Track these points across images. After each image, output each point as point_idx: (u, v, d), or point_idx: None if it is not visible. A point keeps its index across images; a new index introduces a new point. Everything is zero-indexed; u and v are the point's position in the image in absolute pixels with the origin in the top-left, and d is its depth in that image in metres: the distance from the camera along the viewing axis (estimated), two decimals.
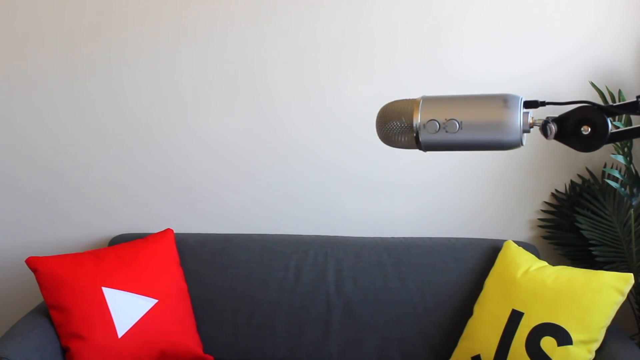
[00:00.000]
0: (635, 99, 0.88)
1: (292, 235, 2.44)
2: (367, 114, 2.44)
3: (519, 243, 2.27)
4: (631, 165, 2.22)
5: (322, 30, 2.40)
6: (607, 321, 1.93)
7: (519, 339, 1.97)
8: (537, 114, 0.91)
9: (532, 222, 2.50)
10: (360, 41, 2.40)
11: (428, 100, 0.92)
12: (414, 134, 0.91)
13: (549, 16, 2.34)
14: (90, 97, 2.50)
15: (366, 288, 2.28)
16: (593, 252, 2.29)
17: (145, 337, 2.13)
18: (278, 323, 2.29)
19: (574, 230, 2.40)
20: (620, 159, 2.20)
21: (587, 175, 2.44)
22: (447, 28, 2.37)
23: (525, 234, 2.50)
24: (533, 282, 2.04)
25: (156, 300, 2.19)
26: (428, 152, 2.30)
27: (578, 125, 0.87)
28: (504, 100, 0.88)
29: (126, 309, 2.12)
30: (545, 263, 2.14)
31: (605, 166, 2.40)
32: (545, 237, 2.47)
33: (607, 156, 2.40)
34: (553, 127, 0.88)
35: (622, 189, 2.23)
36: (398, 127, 0.93)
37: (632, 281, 1.93)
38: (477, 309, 2.16)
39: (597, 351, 1.94)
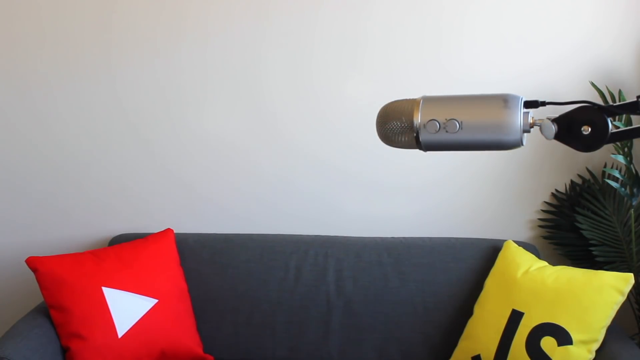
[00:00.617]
0: (635, 99, 0.88)
1: (292, 235, 2.44)
2: (367, 114, 2.44)
3: (519, 243, 2.27)
4: (631, 165, 2.22)
5: (322, 30, 2.40)
6: (607, 321, 1.93)
7: (519, 339, 1.97)
8: (537, 114, 0.91)
9: (532, 222, 2.49)
10: (360, 41, 2.40)
11: (428, 100, 0.92)
12: (414, 134, 0.91)
13: (549, 16, 2.34)
14: (91, 96, 2.50)
15: (366, 288, 2.28)
16: (593, 252, 2.29)
17: (145, 337, 2.13)
18: (278, 323, 2.29)
19: (574, 230, 2.40)
20: (620, 159, 2.20)
21: (587, 175, 2.43)
22: (447, 28, 2.37)
23: (525, 234, 2.50)
24: (533, 282, 2.04)
25: (156, 300, 2.19)
26: (428, 152, 2.30)
27: (578, 125, 0.87)
28: (504, 100, 0.88)
29: (126, 309, 2.12)
30: (546, 263, 2.14)
31: (605, 166, 2.40)
32: (545, 237, 2.47)
33: (607, 156, 2.40)
34: (553, 127, 0.88)
35: (622, 189, 2.23)
36: (398, 127, 0.93)
37: (632, 281, 1.93)
38: (477, 309, 2.16)
39: (597, 351, 1.94)
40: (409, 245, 2.34)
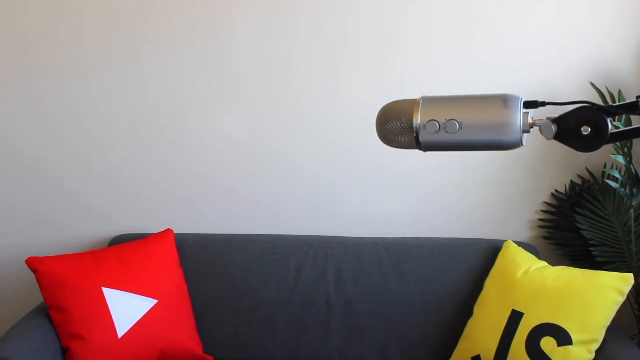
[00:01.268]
0: (635, 99, 0.88)
1: (292, 235, 2.44)
2: (367, 114, 2.44)
3: (519, 243, 2.27)
4: (631, 165, 2.22)
5: (322, 30, 2.40)
6: (607, 321, 1.93)
7: (518, 339, 1.97)
8: (537, 114, 0.91)
9: (532, 222, 2.50)
10: (359, 41, 2.40)
11: (428, 100, 0.92)
12: (414, 134, 0.91)
13: (549, 16, 2.34)
14: (91, 96, 2.50)
15: (366, 288, 2.28)
16: (593, 252, 2.29)
17: (145, 337, 2.13)
18: (278, 323, 2.29)
19: (573, 230, 2.40)
20: (620, 159, 2.20)
21: (587, 175, 2.44)
22: (447, 28, 2.37)
23: (525, 234, 2.50)
24: (533, 282, 2.04)
25: (156, 300, 2.19)
26: (428, 152, 2.30)
27: (578, 126, 0.87)
28: (504, 100, 0.88)
29: (126, 309, 2.12)
30: (545, 263, 2.14)
31: (605, 166, 2.40)
32: (545, 237, 2.47)
33: (607, 156, 2.40)
34: (553, 127, 0.88)
35: (622, 189, 2.23)
36: (398, 127, 0.93)
37: (632, 281, 1.93)
38: (477, 309, 2.16)
39: (597, 351, 1.94)
40: (409, 246, 2.34)
